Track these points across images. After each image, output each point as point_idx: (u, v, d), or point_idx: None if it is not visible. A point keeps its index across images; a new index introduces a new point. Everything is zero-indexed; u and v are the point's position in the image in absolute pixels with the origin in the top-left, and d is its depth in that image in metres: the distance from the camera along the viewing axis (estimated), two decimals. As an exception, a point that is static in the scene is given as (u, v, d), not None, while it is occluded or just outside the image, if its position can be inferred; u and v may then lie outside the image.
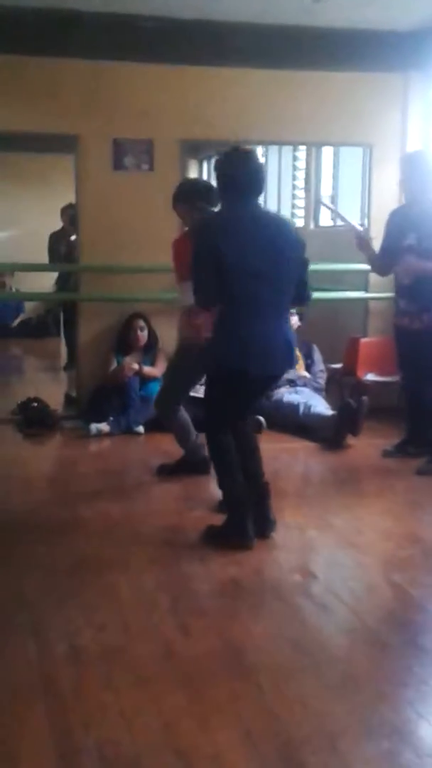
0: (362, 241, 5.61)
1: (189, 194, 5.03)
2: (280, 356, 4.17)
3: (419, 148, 6.91)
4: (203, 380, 6.13)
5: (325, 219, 9.25)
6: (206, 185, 5.21)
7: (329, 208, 5.80)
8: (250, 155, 4.15)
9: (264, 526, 4.24)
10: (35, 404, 6.74)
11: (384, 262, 5.58)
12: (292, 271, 4.11)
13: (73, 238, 8.95)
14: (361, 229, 5.67)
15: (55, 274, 9.79)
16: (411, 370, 5.69)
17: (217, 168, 4.22)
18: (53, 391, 7.89)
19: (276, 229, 4.11)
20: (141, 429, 6.38)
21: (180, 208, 5.09)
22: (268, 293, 4.02)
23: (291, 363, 4.33)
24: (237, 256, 3.94)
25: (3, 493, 5.06)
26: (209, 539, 4.17)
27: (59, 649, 3.11)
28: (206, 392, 4.38)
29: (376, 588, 3.79)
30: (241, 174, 4.07)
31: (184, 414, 5.22)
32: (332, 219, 5.75)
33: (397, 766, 2.45)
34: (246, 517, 4.14)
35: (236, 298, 3.99)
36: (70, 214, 9.28)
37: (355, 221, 5.81)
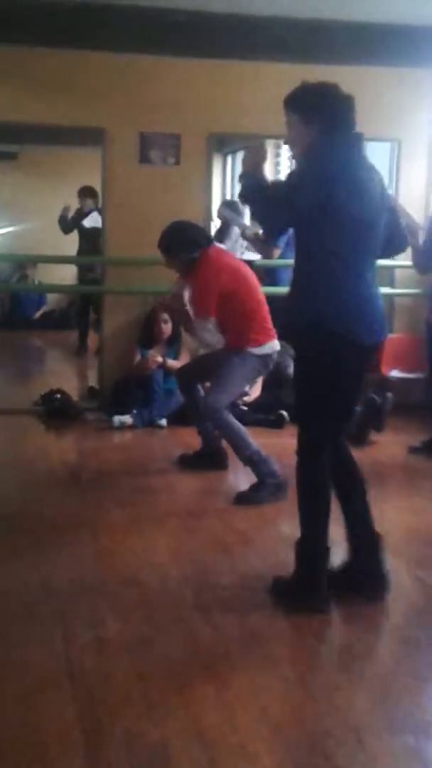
0: (412, 232, 5.51)
1: (169, 246, 5.14)
2: (382, 319, 3.51)
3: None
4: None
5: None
6: (191, 234, 5.16)
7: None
8: (335, 86, 3.51)
9: (376, 584, 3.50)
10: (58, 395, 6.76)
11: (426, 258, 5.53)
12: (384, 221, 3.43)
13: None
14: (413, 218, 5.56)
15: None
16: None
17: (299, 98, 3.49)
18: (76, 383, 7.92)
19: (376, 173, 3.46)
20: (164, 422, 6.39)
21: (164, 256, 5.23)
22: (369, 243, 3.38)
23: (386, 330, 3.62)
24: (351, 201, 3.24)
25: (27, 484, 5.08)
26: (279, 596, 3.46)
27: (85, 639, 3.12)
28: (299, 394, 3.48)
29: (402, 584, 3.77)
30: (337, 99, 3.45)
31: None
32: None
33: (423, 761, 2.45)
34: (321, 574, 3.42)
35: (342, 250, 3.29)
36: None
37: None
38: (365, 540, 3.52)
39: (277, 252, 6.58)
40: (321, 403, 3.38)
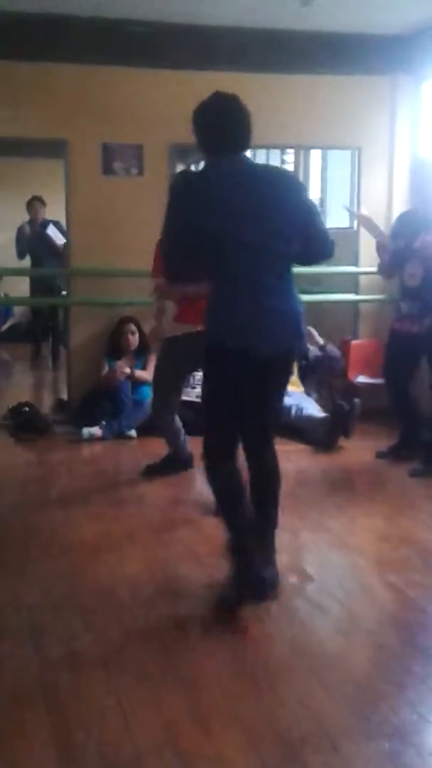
0: (383, 247, 5.61)
1: None
2: (282, 331, 3.50)
3: (411, 151, 6.96)
4: (193, 382, 6.19)
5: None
6: None
7: (362, 217, 5.77)
8: (230, 99, 3.55)
9: (254, 588, 3.52)
10: (26, 409, 6.72)
11: (391, 264, 5.59)
12: (291, 229, 3.46)
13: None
14: (384, 233, 5.66)
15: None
16: (399, 374, 5.68)
17: (193, 119, 3.56)
18: (44, 396, 7.88)
19: (265, 183, 3.44)
20: (133, 433, 6.37)
21: None
22: (259, 261, 3.41)
23: (295, 342, 3.59)
24: (219, 223, 3.35)
25: (-4, 498, 5.05)
26: (222, 600, 3.52)
27: (58, 653, 3.11)
28: (203, 399, 3.72)
29: (372, 589, 3.80)
30: (221, 122, 3.47)
31: (177, 419, 5.26)
32: (354, 220, 5.72)
33: (400, 766, 2.46)
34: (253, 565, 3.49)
35: (221, 269, 3.44)
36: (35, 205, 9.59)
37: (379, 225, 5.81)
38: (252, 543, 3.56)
39: None
40: (215, 410, 3.58)
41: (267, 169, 3.86)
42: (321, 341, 6.94)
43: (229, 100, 3.55)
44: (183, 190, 3.45)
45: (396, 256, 5.49)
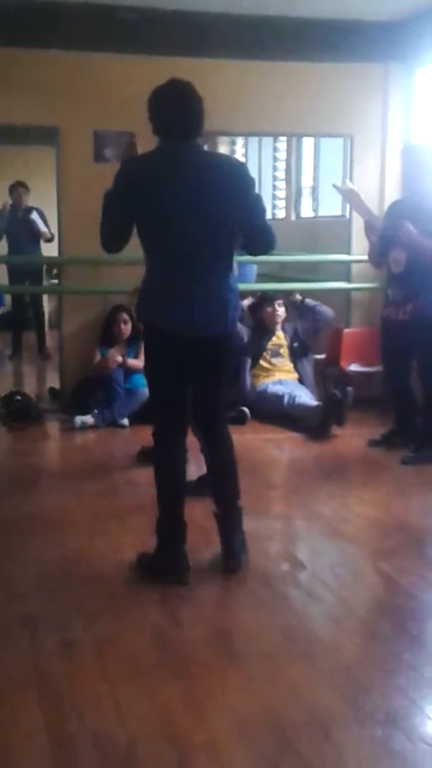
0: (372, 228, 5.60)
1: None
2: (214, 315, 3.57)
3: (404, 139, 6.95)
4: None
5: (307, 210, 9.27)
6: None
7: (346, 191, 5.72)
8: (181, 86, 3.61)
9: (228, 560, 3.74)
10: (18, 398, 6.72)
11: (380, 252, 5.59)
12: (233, 222, 3.54)
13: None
14: (372, 212, 5.63)
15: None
16: (395, 362, 5.70)
17: (149, 103, 3.64)
18: (36, 384, 7.88)
19: (216, 174, 3.52)
20: (126, 421, 6.38)
21: None
22: (200, 248, 3.50)
23: (227, 324, 3.63)
24: (160, 207, 3.45)
25: (-11, 487, 5.05)
26: (143, 570, 3.70)
27: (52, 641, 3.12)
28: (147, 379, 3.84)
29: (364, 576, 3.82)
30: (170, 108, 3.55)
31: None
32: (351, 203, 5.68)
33: (391, 753, 2.47)
34: (177, 549, 3.67)
35: (157, 251, 3.55)
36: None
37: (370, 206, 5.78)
38: (221, 519, 3.78)
39: None
40: (153, 393, 3.75)
41: (216, 158, 4.06)
42: (298, 297, 6.97)
43: (184, 86, 3.62)
44: (131, 169, 3.56)
45: (383, 242, 5.50)
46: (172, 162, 3.52)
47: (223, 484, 3.81)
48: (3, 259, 9.80)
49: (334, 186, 6.15)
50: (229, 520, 3.79)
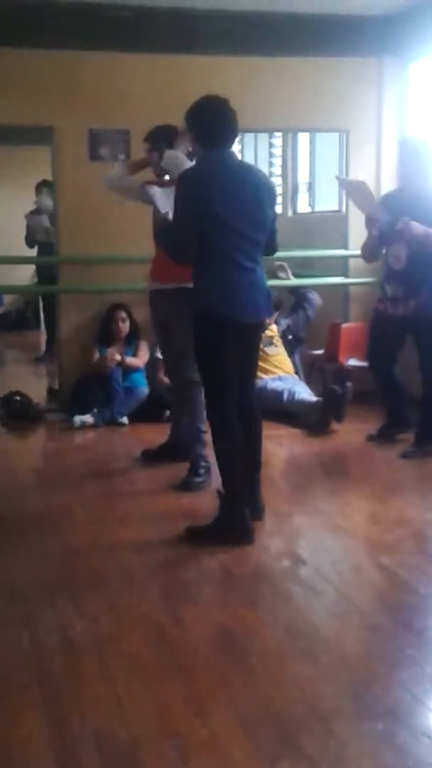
0: (374, 221, 5.48)
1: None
2: (263, 303, 4.14)
3: (399, 133, 6.94)
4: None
5: (303, 205, 9.26)
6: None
7: (354, 183, 5.65)
8: (223, 102, 4.07)
9: (258, 512, 4.24)
10: (18, 398, 6.71)
11: (375, 246, 5.57)
12: (269, 223, 4.12)
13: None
14: (379, 208, 5.54)
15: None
16: (384, 356, 5.69)
17: (190, 118, 4.11)
18: (35, 384, 7.87)
19: (256, 180, 4.09)
20: (125, 420, 6.37)
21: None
22: (249, 244, 4.02)
23: (270, 310, 4.43)
24: (223, 208, 3.90)
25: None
26: (203, 540, 3.98)
27: (52, 640, 3.12)
28: (198, 361, 4.15)
29: (365, 571, 3.82)
30: (217, 121, 4.02)
31: None
32: (347, 193, 5.63)
33: (393, 747, 2.47)
34: (244, 509, 4.04)
35: (220, 248, 3.96)
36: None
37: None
38: (254, 481, 4.25)
39: None
40: (215, 368, 4.07)
41: (253, 167, 4.77)
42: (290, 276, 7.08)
43: (225, 100, 4.09)
44: (198, 181, 3.98)
45: (381, 236, 5.47)
46: (228, 170, 4.03)
47: (258, 452, 4.30)
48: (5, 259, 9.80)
49: (338, 178, 6.08)
50: (257, 481, 4.29)
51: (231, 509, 4.03)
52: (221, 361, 4.03)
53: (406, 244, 5.32)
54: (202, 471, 4.89)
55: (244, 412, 4.14)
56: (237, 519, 4.01)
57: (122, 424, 6.35)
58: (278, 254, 7.48)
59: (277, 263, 6.98)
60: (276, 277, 6.98)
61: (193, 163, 4.40)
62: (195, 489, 4.80)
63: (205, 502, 4.50)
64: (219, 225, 3.91)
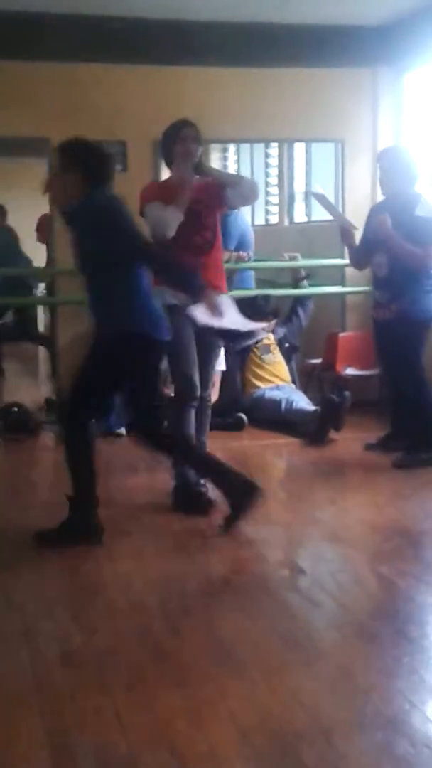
0: (347, 233, 5.64)
1: None
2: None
3: (394, 142, 6.96)
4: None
5: (300, 215, 9.27)
6: None
7: (318, 195, 5.77)
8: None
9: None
10: (15, 409, 6.71)
11: (362, 255, 5.62)
12: None
13: None
14: (349, 220, 5.68)
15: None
16: (388, 363, 5.72)
17: (83, 156, 4.15)
18: (33, 396, 7.86)
19: None
20: (123, 430, 6.37)
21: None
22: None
23: None
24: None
25: (-13, 499, 5.04)
26: (51, 542, 4.11)
27: (51, 654, 3.11)
28: (87, 371, 4.23)
29: (364, 580, 3.81)
30: (109, 162, 4.24)
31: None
32: (324, 207, 5.70)
33: (393, 757, 2.46)
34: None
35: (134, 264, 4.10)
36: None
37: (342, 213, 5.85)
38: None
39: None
40: (95, 387, 4.23)
41: None
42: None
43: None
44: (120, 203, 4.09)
45: (365, 246, 5.52)
46: None
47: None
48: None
49: (311, 192, 6.16)
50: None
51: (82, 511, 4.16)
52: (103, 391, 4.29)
53: (386, 252, 5.36)
54: None
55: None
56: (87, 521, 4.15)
57: (119, 435, 6.35)
58: (275, 264, 7.61)
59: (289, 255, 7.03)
60: (298, 281, 7.05)
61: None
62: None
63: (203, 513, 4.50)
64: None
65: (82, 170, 4.06)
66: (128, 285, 4.10)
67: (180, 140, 4.57)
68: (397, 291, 5.39)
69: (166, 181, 4.88)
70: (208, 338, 4.72)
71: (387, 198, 5.64)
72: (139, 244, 4.08)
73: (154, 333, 4.11)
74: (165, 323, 4.19)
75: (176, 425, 4.64)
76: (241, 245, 6.96)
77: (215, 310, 4.19)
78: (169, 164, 4.70)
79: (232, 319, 4.40)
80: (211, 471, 4.37)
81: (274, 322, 6.92)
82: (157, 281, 4.52)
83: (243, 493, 4.20)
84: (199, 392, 4.68)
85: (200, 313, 4.26)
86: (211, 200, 4.64)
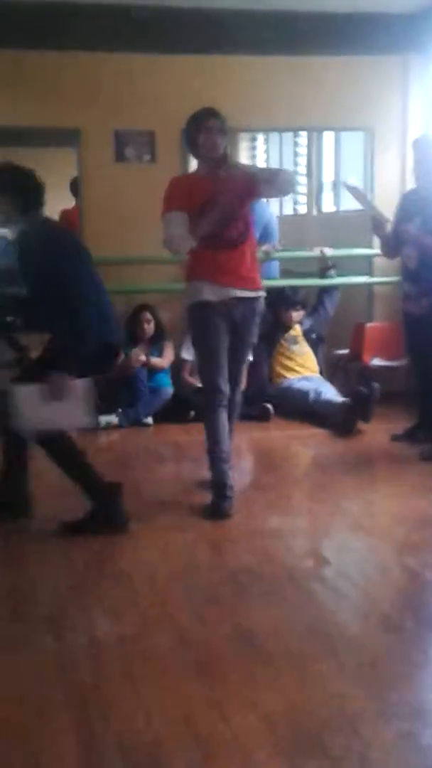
0: (379, 224, 5.57)
1: None
2: None
3: (424, 131, 6.90)
4: None
5: (328, 205, 9.23)
6: None
7: (351, 187, 5.69)
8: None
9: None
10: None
11: (392, 244, 5.58)
12: None
13: None
14: (381, 212, 5.59)
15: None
16: (417, 355, 5.69)
17: (20, 181, 4.14)
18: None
19: None
20: (150, 420, 6.39)
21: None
22: None
23: None
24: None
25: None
26: (79, 530, 4.14)
27: (77, 641, 3.12)
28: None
29: (389, 571, 3.80)
30: (38, 185, 4.18)
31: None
32: (356, 199, 5.63)
33: (418, 747, 2.45)
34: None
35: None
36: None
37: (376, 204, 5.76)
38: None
39: None
40: None
41: None
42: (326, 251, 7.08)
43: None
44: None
45: (396, 237, 5.48)
46: None
47: None
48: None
49: (344, 184, 6.05)
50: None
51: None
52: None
53: (416, 245, 5.32)
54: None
55: None
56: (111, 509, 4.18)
57: (147, 425, 6.37)
58: (304, 253, 7.58)
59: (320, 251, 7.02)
60: (325, 270, 7.01)
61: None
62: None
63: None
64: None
65: (11, 197, 4.07)
66: None
67: (204, 131, 4.39)
68: (427, 286, 5.35)
69: (192, 175, 4.77)
70: (244, 335, 4.57)
71: (418, 187, 5.59)
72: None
73: None
74: None
75: (206, 429, 4.51)
76: (265, 236, 6.93)
77: (56, 394, 3.98)
78: (194, 155, 4.60)
79: (65, 413, 4.05)
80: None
81: (302, 312, 6.90)
82: (190, 275, 4.52)
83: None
84: (227, 394, 4.52)
85: (27, 393, 4.00)
86: (243, 191, 4.42)
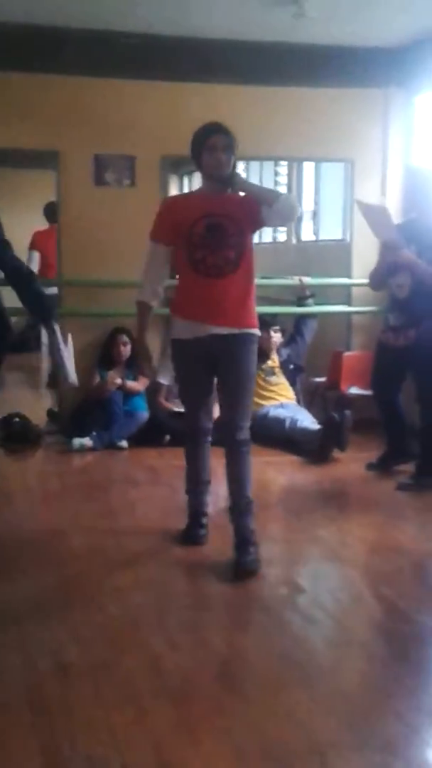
0: (392, 248, 5.33)
1: None
2: None
3: (404, 163, 6.96)
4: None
5: (307, 233, 9.29)
6: None
7: (371, 207, 5.46)
8: None
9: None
10: (17, 420, 6.69)
11: (382, 275, 5.56)
12: None
13: None
14: (396, 238, 5.34)
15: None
16: (387, 386, 5.67)
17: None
18: (35, 407, 7.84)
19: None
20: (124, 444, 6.35)
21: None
22: None
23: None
24: None
25: (-14, 509, 5.01)
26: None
27: (45, 665, 3.08)
28: None
29: (363, 600, 3.78)
30: None
31: None
32: (366, 218, 5.39)
33: (389, 779, 2.43)
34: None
35: None
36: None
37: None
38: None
39: None
40: None
41: None
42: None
43: None
44: None
45: (387, 266, 5.47)
46: None
47: None
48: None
49: (358, 202, 5.86)
50: None
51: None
52: None
53: (411, 274, 5.32)
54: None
55: None
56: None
57: (122, 448, 6.33)
58: (282, 281, 7.61)
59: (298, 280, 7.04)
60: (303, 299, 7.04)
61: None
62: None
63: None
64: None
65: None
66: None
67: (208, 149, 4.07)
68: (416, 316, 5.34)
69: (190, 194, 4.53)
70: (231, 368, 4.14)
71: (413, 218, 5.58)
72: None
73: None
74: None
75: (185, 457, 4.42)
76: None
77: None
78: (200, 173, 4.24)
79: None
80: None
81: (281, 341, 6.90)
82: (171, 306, 4.28)
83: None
84: (208, 429, 4.37)
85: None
86: (243, 217, 4.10)
